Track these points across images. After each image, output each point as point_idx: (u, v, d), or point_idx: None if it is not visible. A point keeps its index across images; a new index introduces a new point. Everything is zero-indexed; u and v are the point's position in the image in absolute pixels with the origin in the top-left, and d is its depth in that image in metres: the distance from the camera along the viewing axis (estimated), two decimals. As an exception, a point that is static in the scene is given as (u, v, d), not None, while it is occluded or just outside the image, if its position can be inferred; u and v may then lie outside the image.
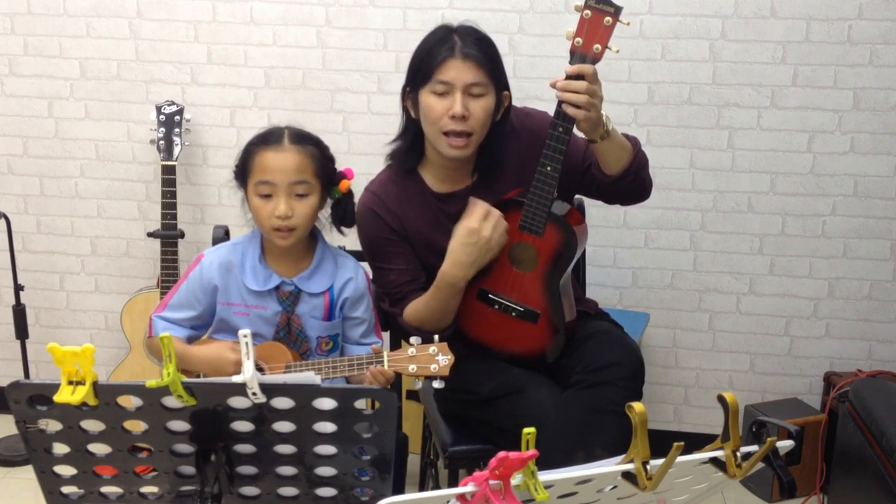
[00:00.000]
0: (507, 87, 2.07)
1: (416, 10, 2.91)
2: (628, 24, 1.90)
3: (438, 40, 1.99)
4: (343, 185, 2.06)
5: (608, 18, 1.85)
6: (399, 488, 1.96)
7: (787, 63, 2.84)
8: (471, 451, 2.13)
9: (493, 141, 2.07)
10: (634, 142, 2.04)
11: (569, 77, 1.88)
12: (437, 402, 2.28)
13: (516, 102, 2.18)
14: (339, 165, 2.09)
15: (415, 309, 2.10)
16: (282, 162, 1.95)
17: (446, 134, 1.99)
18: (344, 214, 2.09)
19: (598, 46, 1.87)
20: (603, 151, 1.98)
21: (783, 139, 2.89)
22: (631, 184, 2.04)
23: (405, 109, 2.10)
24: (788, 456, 1.33)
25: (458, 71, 1.95)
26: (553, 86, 1.90)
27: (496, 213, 1.99)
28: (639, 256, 3.03)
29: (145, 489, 1.48)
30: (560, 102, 1.90)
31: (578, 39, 1.88)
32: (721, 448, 1.28)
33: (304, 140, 2.00)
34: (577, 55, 1.88)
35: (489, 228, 1.97)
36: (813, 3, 2.79)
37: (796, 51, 2.83)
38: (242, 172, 2.01)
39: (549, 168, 1.96)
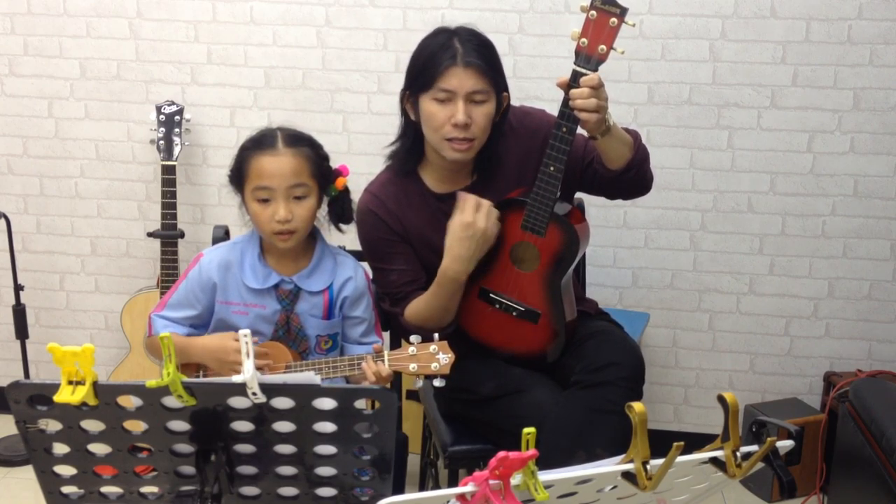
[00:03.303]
0: (506, 89, 2.07)
1: (416, 10, 2.91)
2: (634, 25, 1.90)
3: (440, 46, 1.98)
4: (339, 182, 2.07)
5: (614, 19, 1.85)
6: (399, 488, 1.96)
7: (787, 63, 2.84)
8: (471, 451, 2.13)
9: (491, 141, 2.07)
10: (635, 135, 2.04)
11: (571, 86, 1.88)
12: (437, 401, 2.28)
13: (515, 102, 2.19)
14: (340, 165, 2.09)
15: (416, 308, 2.10)
16: (278, 167, 1.95)
17: (449, 140, 1.99)
18: (342, 212, 2.10)
19: (603, 47, 1.87)
20: (605, 147, 1.98)
21: (783, 139, 2.89)
22: (633, 177, 2.05)
23: (404, 112, 2.10)
24: (788, 456, 1.33)
25: (460, 79, 1.95)
26: (559, 86, 1.91)
27: (486, 203, 1.99)
28: (639, 256, 3.03)
29: (145, 489, 1.48)
30: (564, 104, 1.91)
31: (584, 40, 1.88)
32: (721, 448, 1.28)
33: (298, 142, 2.00)
34: (582, 55, 1.88)
35: (483, 219, 1.98)
36: (813, 3, 2.79)
37: (796, 51, 2.83)
38: (238, 177, 2.01)
39: (552, 168, 1.96)
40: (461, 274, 2.02)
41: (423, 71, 1.99)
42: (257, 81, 3.01)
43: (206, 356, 1.98)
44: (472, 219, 1.97)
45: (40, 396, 1.33)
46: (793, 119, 2.88)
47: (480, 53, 1.97)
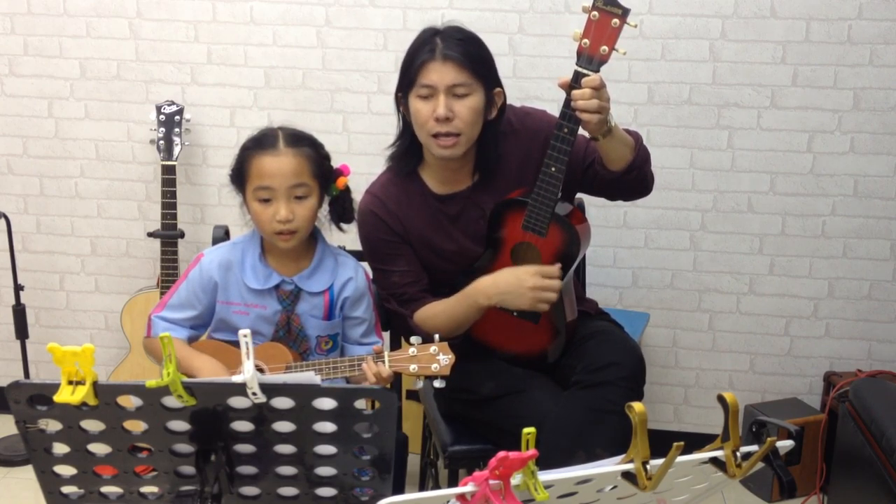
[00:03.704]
0: (498, 84, 2.06)
1: (416, 10, 2.91)
2: (636, 26, 1.90)
3: (421, 44, 2.00)
4: (340, 182, 2.07)
5: (616, 20, 1.85)
6: (399, 488, 1.96)
7: (787, 63, 2.84)
8: (471, 451, 2.13)
9: (490, 140, 2.07)
10: (636, 137, 2.04)
11: (573, 87, 1.88)
12: (437, 401, 2.28)
13: (516, 102, 2.18)
14: (341, 164, 2.09)
15: (432, 316, 2.09)
16: (279, 167, 1.95)
17: (435, 136, 1.99)
18: (343, 211, 2.10)
19: (605, 48, 1.87)
20: (606, 149, 1.98)
21: (783, 139, 2.89)
22: (634, 179, 2.04)
23: (401, 114, 2.10)
24: (788, 456, 1.33)
25: (439, 73, 1.96)
26: (561, 86, 1.91)
27: (556, 284, 1.97)
28: (639, 256, 3.03)
29: (145, 489, 1.48)
30: (565, 104, 1.91)
31: (586, 41, 1.88)
32: (721, 448, 1.28)
33: (300, 141, 2.00)
34: (584, 56, 1.88)
35: (536, 285, 1.96)
36: (813, 3, 2.79)
37: (796, 51, 2.83)
38: (239, 177, 2.01)
39: (553, 169, 1.96)
40: (480, 297, 2.03)
41: (408, 69, 2.01)
42: (257, 81, 3.01)
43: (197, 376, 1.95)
44: (534, 272, 1.96)
45: (40, 396, 1.33)
46: (793, 119, 2.88)
47: (461, 47, 1.98)
